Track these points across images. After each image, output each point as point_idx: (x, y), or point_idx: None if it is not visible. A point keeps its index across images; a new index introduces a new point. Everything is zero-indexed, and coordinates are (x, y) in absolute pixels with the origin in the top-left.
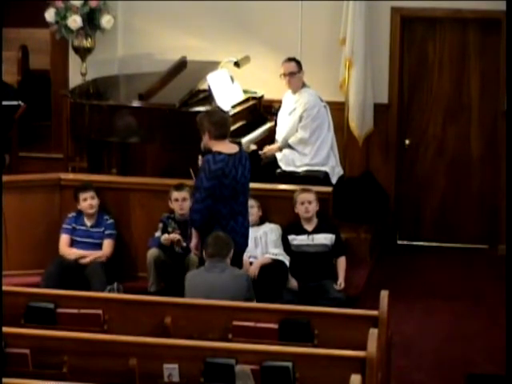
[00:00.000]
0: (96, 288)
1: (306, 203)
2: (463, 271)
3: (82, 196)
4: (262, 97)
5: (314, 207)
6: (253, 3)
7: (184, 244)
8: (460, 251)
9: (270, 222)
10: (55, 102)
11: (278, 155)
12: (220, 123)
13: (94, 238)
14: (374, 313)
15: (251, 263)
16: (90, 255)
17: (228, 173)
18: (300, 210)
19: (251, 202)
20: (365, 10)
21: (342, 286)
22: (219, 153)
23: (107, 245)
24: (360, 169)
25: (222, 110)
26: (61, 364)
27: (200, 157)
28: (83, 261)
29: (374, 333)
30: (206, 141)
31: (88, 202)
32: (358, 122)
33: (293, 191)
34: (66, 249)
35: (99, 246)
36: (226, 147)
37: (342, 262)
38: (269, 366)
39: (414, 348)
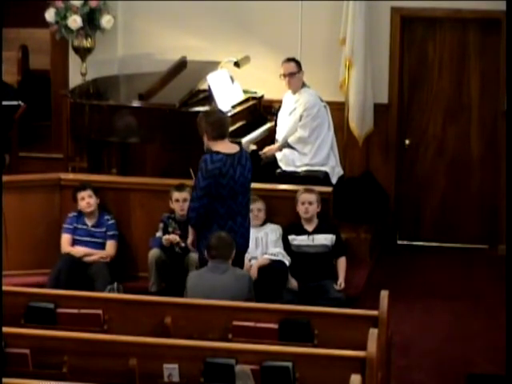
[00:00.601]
0: (100, 288)
1: (307, 204)
2: (463, 271)
3: (80, 195)
4: (262, 97)
5: (314, 209)
6: (253, 3)
7: (183, 244)
8: (460, 251)
9: (271, 222)
10: (55, 102)
11: (278, 155)
12: (217, 123)
13: (96, 238)
14: (374, 313)
15: (251, 266)
16: (95, 253)
17: (225, 172)
18: (300, 209)
19: (259, 205)
20: (365, 10)
21: (342, 286)
22: (217, 152)
23: (110, 246)
24: (360, 169)
25: (219, 111)
26: (61, 364)
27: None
28: (89, 259)
29: (373, 333)
30: (206, 141)
31: (86, 200)
32: (358, 122)
33: (293, 191)
34: (69, 248)
35: (101, 246)
36: (225, 147)
37: (342, 263)
38: (269, 366)
39: (413, 348)
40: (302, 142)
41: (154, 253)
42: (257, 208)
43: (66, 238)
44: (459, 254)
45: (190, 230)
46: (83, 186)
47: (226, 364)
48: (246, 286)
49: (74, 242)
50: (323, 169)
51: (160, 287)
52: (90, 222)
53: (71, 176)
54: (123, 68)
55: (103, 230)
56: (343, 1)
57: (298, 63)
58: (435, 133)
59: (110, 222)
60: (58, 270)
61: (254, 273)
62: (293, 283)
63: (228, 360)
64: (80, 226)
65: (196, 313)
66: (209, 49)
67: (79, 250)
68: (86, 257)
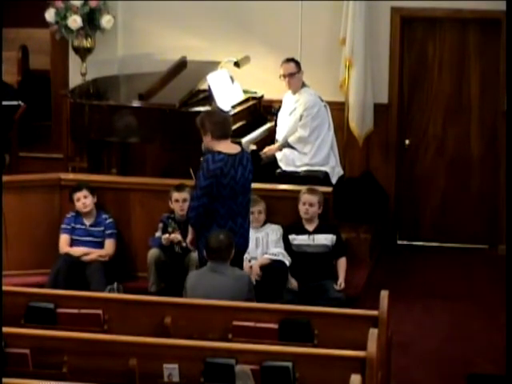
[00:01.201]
0: (94, 289)
1: (307, 205)
2: (463, 271)
3: (76, 196)
4: (262, 97)
5: (314, 210)
6: (253, 3)
7: (184, 244)
8: (460, 251)
9: (270, 222)
10: (55, 102)
11: (278, 155)
12: (222, 123)
13: (94, 237)
14: (374, 313)
15: (251, 267)
16: (94, 252)
17: (227, 172)
18: (301, 209)
19: (260, 207)
20: (365, 10)
21: (342, 286)
22: (219, 152)
23: (109, 245)
24: (360, 169)
25: (221, 110)
26: (61, 364)
27: (202, 159)
28: (87, 257)
29: (373, 333)
30: (208, 141)
31: (81, 201)
32: (358, 122)
33: (293, 191)
34: (67, 248)
35: (100, 245)
36: (227, 147)
37: (342, 263)
38: (269, 366)
39: (413, 348)
40: (302, 141)
41: (153, 253)
42: (257, 210)
43: (64, 239)
44: (459, 254)
45: (190, 229)
46: (78, 186)
47: (226, 364)
48: (246, 286)
49: (73, 242)
50: (323, 169)
51: (159, 287)
52: (88, 222)
53: (71, 176)
54: (123, 68)
55: (101, 228)
56: (343, 1)
57: (297, 63)
58: (435, 133)
59: (108, 221)
60: (56, 270)
61: (256, 272)
62: (293, 283)
63: (228, 360)
64: (78, 226)
65: (196, 313)
66: (209, 49)
67: (77, 250)
68: (85, 256)
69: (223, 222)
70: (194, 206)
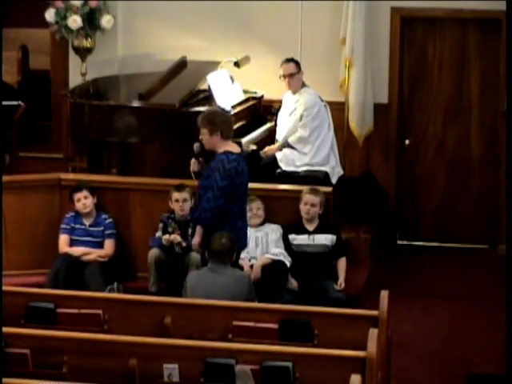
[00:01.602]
0: (93, 290)
1: (309, 205)
2: (463, 271)
3: (76, 197)
4: (262, 97)
5: (316, 210)
6: (253, 3)
7: (184, 244)
8: (460, 251)
9: (270, 222)
10: (55, 102)
11: (278, 155)
12: (230, 123)
13: (94, 237)
14: (374, 313)
15: (252, 266)
16: (93, 252)
17: (240, 171)
18: (302, 209)
19: (258, 204)
20: (365, 10)
21: (342, 286)
22: (231, 152)
23: (109, 245)
24: (360, 169)
25: (224, 110)
26: (61, 364)
27: (193, 160)
28: (86, 257)
29: (373, 333)
30: (216, 141)
31: (81, 202)
32: (358, 122)
33: (293, 191)
34: (67, 248)
35: (99, 245)
36: (233, 147)
37: (342, 263)
38: (269, 366)
39: (413, 348)
40: (302, 141)
41: (153, 253)
42: (256, 207)
43: (63, 239)
44: (459, 254)
45: (198, 230)
46: (79, 186)
47: (226, 364)
48: (246, 287)
49: (73, 242)
50: (323, 169)
51: (159, 287)
52: (87, 222)
53: (71, 176)
54: (123, 68)
55: (101, 228)
56: (343, 1)
57: (297, 63)
58: (435, 133)
59: (108, 221)
60: (56, 270)
61: (257, 272)
62: (293, 283)
63: (228, 360)
64: (78, 226)
65: (196, 313)
66: (209, 49)
67: (77, 250)
68: (84, 256)
69: (235, 221)
70: (209, 207)
